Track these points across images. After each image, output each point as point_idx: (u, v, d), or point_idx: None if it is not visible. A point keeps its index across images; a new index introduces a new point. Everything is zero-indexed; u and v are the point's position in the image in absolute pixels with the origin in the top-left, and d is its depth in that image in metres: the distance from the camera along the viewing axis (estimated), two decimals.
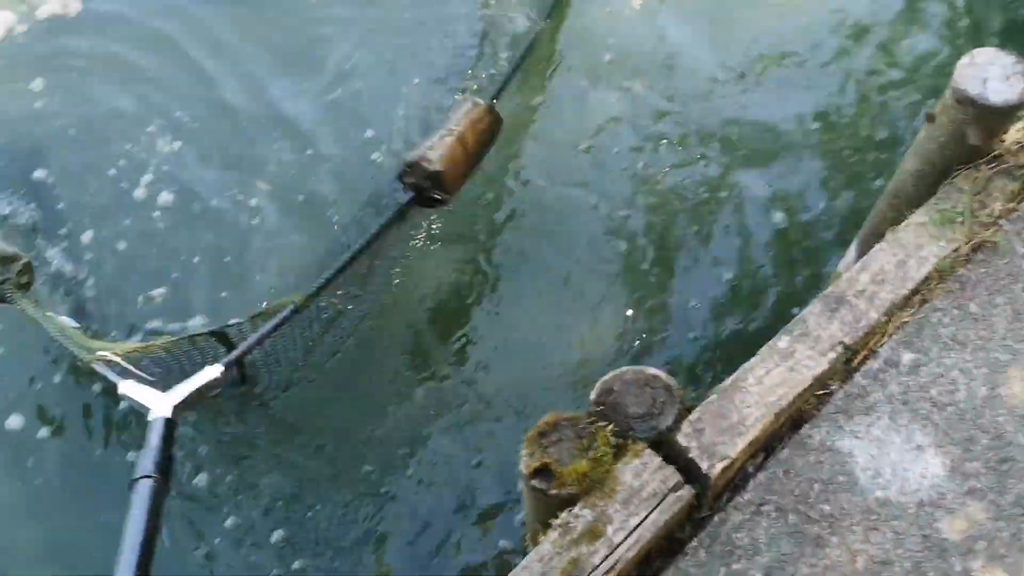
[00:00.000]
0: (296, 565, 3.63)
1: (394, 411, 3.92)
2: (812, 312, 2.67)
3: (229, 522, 3.73)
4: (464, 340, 4.08)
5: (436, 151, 3.88)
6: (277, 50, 4.98)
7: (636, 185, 4.41)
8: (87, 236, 4.37)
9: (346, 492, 3.77)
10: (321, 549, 3.66)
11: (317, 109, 4.76)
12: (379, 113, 4.73)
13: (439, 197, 3.93)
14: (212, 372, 3.34)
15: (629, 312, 3.98)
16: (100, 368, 3.46)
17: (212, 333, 3.53)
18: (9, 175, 4.57)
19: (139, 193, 4.46)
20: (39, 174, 4.54)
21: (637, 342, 3.84)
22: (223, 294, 4.22)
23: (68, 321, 3.94)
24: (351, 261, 3.69)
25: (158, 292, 4.20)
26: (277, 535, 3.70)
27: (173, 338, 3.56)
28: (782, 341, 2.61)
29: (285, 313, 3.53)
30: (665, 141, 4.57)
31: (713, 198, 4.32)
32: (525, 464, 2.35)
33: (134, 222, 4.42)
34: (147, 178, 4.50)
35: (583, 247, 4.23)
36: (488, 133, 4.09)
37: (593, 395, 2.47)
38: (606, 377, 2.51)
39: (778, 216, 4.24)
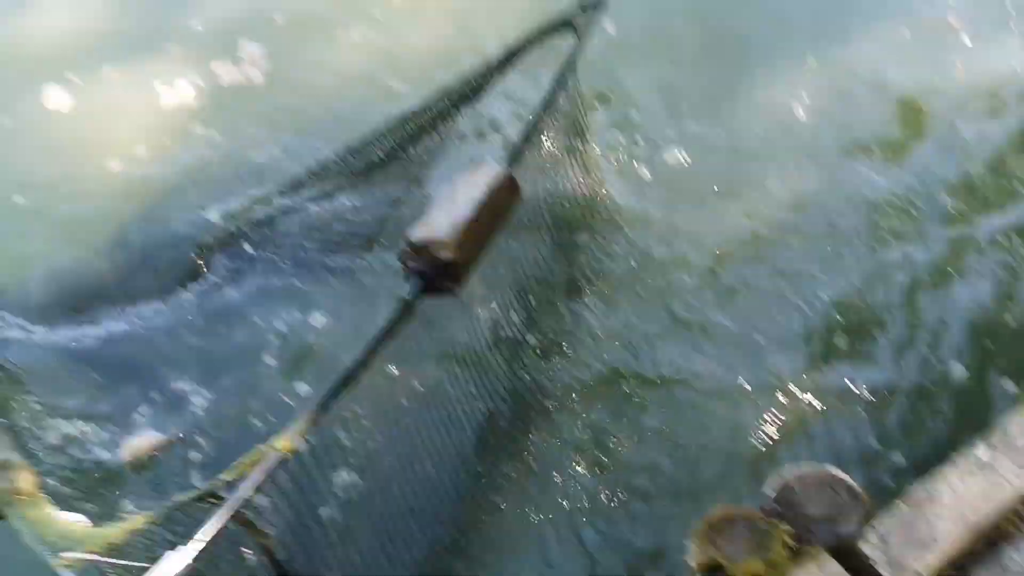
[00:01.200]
0: None
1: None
2: (1016, 421, 2.47)
3: None
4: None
5: (447, 230, 3.10)
6: None
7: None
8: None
9: None
10: None
11: None
12: None
13: (445, 287, 3.20)
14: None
15: (802, 393, 3.73)
16: None
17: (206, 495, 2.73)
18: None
19: None
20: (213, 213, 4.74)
21: (812, 427, 3.59)
22: None
23: (74, 518, 3.09)
24: (344, 383, 2.93)
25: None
26: None
27: (164, 507, 2.77)
28: (980, 450, 2.43)
29: (270, 464, 2.70)
30: None
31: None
32: (695, 559, 2.27)
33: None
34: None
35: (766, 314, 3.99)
36: (506, 208, 3.38)
37: (771, 491, 2.37)
38: (784, 472, 2.40)
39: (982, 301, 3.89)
